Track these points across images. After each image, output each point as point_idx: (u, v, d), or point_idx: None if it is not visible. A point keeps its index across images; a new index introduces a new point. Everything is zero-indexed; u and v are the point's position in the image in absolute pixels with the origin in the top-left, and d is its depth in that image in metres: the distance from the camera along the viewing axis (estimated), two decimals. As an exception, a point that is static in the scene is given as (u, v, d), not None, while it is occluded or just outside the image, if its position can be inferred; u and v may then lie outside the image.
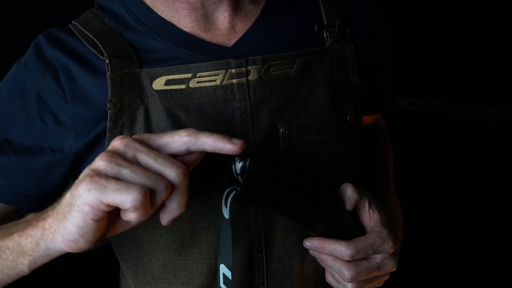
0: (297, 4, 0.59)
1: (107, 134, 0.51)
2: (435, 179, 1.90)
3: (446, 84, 1.80)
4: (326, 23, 0.58)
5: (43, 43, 0.53)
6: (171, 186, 0.40)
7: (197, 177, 0.51)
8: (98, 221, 0.38)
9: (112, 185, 0.37)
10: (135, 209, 0.37)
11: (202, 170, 0.51)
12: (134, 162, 0.39)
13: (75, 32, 0.54)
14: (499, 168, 1.70)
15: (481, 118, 1.72)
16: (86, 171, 0.39)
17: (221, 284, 0.48)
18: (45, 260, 0.44)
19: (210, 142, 0.41)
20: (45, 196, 0.55)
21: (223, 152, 0.41)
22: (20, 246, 0.43)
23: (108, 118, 0.50)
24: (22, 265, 0.44)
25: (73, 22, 0.55)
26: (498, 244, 1.74)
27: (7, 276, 0.46)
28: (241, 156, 0.44)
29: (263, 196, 0.46)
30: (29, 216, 0.47)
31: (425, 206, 1.95)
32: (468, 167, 1.78)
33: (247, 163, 0.42)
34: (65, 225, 0.39)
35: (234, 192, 0.46)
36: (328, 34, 0.57)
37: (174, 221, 0.49)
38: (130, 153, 0.39)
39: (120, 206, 0.37)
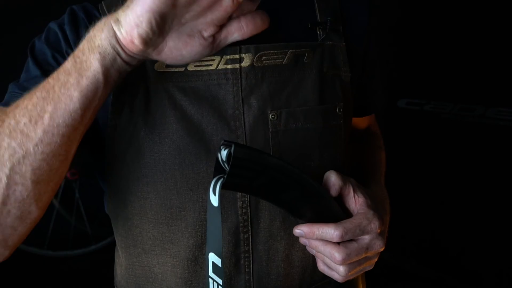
0: (293, 2, 0.63)
1: (109, 108, 0.55)
2: (435, 178, 1.90)
3: (446, 84, 1.81)
4: (319, 20, 0.62)
5: (78, 9, 0.59)
6: None
7: (186, 150, 0.54)
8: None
9: None
10: None
11: (192, 143, 0.54)
12: None
13: (100, 11, 0.59)
14: (499, 167, 1.71)
15: (481, 118, 1.72)
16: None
17: (211, 273, 0.47)
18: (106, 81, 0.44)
19: None
20: None
21: None
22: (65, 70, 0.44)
23: (112, 93, 0.54)
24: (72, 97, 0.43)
25: (102, 3, 0.60)
26: (497, 244, 1.74)
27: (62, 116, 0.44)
28: (226, 143, 0.45)
29: (250, 182, 0.47)
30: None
31: (424, 205, 1.95)
32: (468, 166, 1.78)
33: (232, 149, 0.44)
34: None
35: (221, 180, 0.47)
36: (320, 31, 0.61)
37: (164, 193, 0.53)
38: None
39: None
